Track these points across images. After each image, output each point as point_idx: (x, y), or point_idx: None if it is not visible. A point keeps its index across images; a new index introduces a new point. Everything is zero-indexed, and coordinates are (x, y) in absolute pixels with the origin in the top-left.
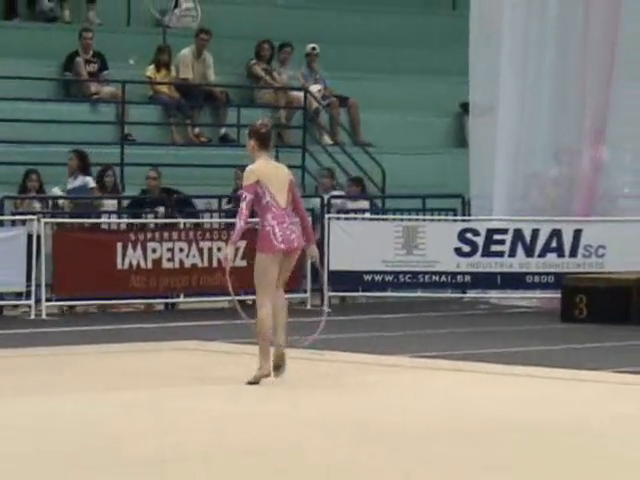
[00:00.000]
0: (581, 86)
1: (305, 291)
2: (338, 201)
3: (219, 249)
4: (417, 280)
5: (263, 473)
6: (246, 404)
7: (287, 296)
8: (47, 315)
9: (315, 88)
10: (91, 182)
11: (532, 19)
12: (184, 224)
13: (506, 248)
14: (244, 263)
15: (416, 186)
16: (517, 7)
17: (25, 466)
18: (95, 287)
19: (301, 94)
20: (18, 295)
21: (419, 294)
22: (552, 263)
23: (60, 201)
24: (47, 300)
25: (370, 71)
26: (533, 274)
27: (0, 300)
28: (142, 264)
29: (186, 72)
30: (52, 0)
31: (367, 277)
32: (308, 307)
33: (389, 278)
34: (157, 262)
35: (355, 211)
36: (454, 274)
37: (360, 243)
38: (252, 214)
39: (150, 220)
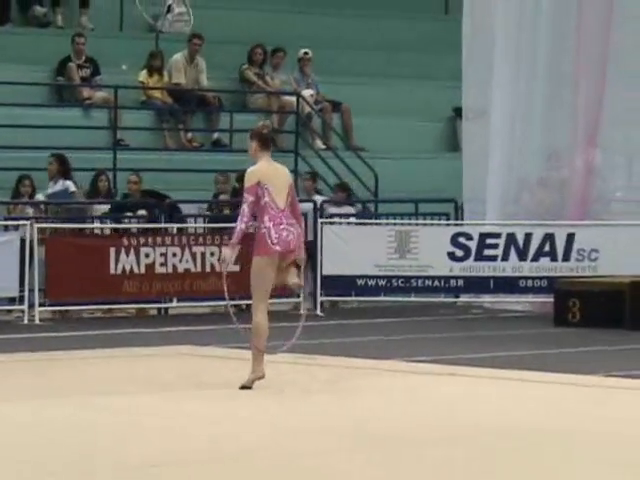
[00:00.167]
0: (574, 90)
1: (298, 295)
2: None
3: (212, 254)
4: (410, 284)
5: (258, 478)
6: (240, 409)
7: (280, 301)
8: (40, 320)
9: (307, 93)
10: (71, 186)
11: (524, 23)
12: (170, 229)
13: (499, 252)
14: (237, 268)
15: (409, 190)
16: (509, 11)
17: (20, 470)
18: (88, 292)
19: (293, 99)
20: (11, 300)
21: (412, 298)
22: (545, 267)
23: (42, 206)
24: (40, 305)
25: (362, 76)
26: (526, 278)
27: None
28: (135, 269)
29: (179, 77)
30: (45, 5)
31: (360, 281)
32: (301, 312)
33: (382, 282)
34: (150, 267)
35: (340, 216)
36: (447, 278)
37: (353, 247)
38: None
39: (133, 225)
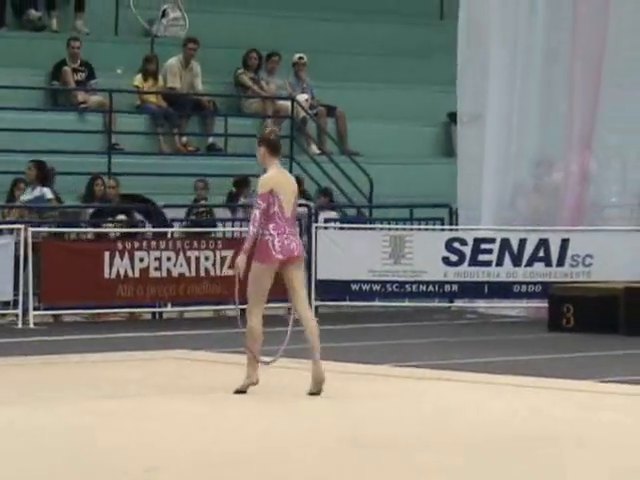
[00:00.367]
0: (569, 96)
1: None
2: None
3: (207, 258)
4: (404, 289)
5: None
6: (233, 413)
7: (274, 305)
8: (35, 324)
9: (303, 97)
10: (48, 193)
11: (520, 29)
12: (148, 234)
13: (493, 257)
14: (232, 272)
15: (403, 195)
16: (505, 17)
17: (13, 476)
18: (83, 296)
19: (288, 103)
20: (5, 304)
21: (406, 303)
22: (539, 272)
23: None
24: (35, 309)
25: (357, 80)
26: (520, 283)
27: None
28: (129, 273)
29: (174, 81)
30: (40, 9)
31: (355, 286)
32: (295, 316)
33: (376, 287)
34: (144, 271)
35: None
36: (441, 283)
37: (348, 252)
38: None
39: (111, 229)
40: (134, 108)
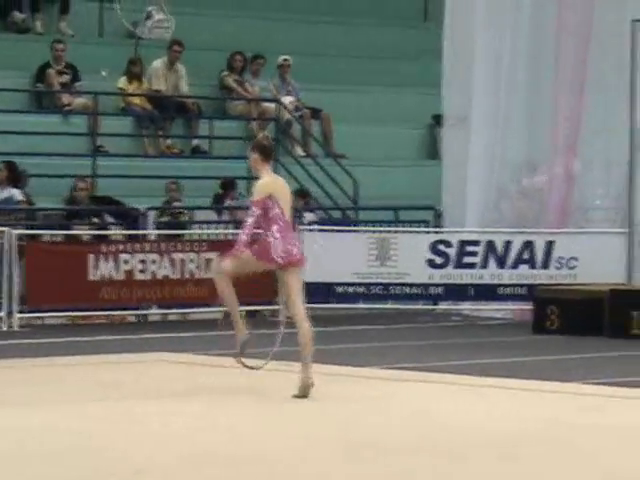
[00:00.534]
0: (554, 99)
1: (277, 302)
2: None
3: (191, 260)
4: (389, 292)
5: None
6: (220, 416)
7: (260, 308)
8: (19, 327)
9: (287, 99)
10: (17, 195)
11: (505, 32)
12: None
13: (478, 260)
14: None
15: (388, 198)
16: (490, 19)
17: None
18: (67, 299)
19: (273, 106)
20: None
21: (391, 306)
22: (524, 275)
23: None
24: (19, 312)
25: (342, 83)
26: (505, 286)
27: None
28: (114, 276)
29: (158, 83)
30: (24, 11)
31: (339, 289)
32: (280, 318)
33: (361, 290)
34: (129, 274)
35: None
36: (426, 286)
37: (332, 254)
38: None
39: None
40: (119, 110)
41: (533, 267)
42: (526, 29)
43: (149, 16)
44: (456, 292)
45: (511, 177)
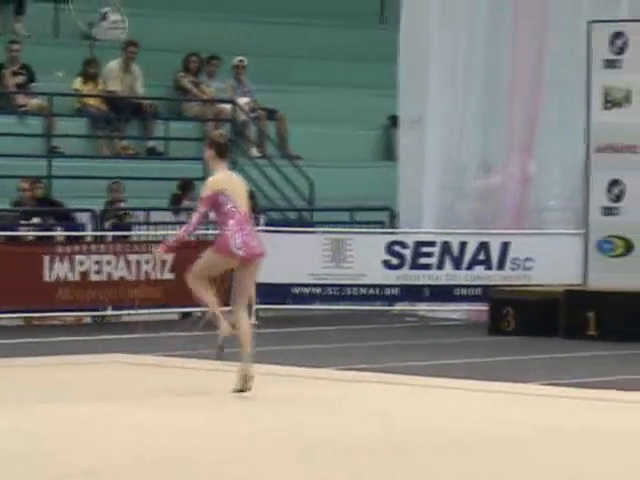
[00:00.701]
0: (509, 100)
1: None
2: None
3: (147, 262)
4: (345, 293)
5: None
6: (174, 417)
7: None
8: None
9: (243, 100)
10: None
11: (461, 34)
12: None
13: (434, 261)
14: (172, 276)
15: (344, 199)
16: (446, 21)
17: None
18: (22, 300)
19: (229, 106)
20: None
21: (347, 307)
22: (480, 276)
23: None
24: None
25: (298, 84)
26: (461, 287)
27: None
28: (69, 277)
29: (114, 84)
30: None
31: (295, 290)
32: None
33: (317, 291)
34: (84, 275)
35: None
36: (382, 287)
37: (288, 255)
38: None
39: (25, 232)
40: (74, 111)
41: (489, 268)
42: (482, 30)
43: (105, 17)
44: (412, 293)
45: (467, 178)
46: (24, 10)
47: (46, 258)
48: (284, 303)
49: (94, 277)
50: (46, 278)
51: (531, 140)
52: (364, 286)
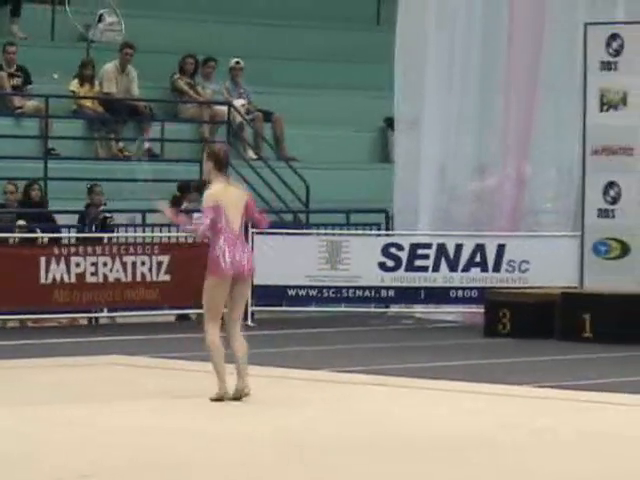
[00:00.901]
0: (505, 102)
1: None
2: None
3: (143, 263)
4: (341, 295)
5: None
6: (170, 419)
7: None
8: None
9: (239, 102)
10: None
11: (457, 36)
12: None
13: (430, 263)
14: (167, 277)
15: (340, 201)
16: (442, 23)
17: None
18: (18, 301)
19: (225, 108)
20: None
21: (343, 309)
22: (476, 278)
23: None
24: None
25: (294, 86)
26: (457, 289)
27: None
28: (65, 278)
29: (110, 86)
30: None
31: (291, 292)
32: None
33: (313, 293)
34: (80, 276)
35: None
36: (378, 289)
37: (284, 257)
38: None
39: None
40: (70, 113)
41: (485, 270)
42: (478, 32)
43: (101, 19)
44: (408, 295)
45: (463, 180)
46: (20, 12)
47: (42, 260)
48: (280, 305)
49: (90, 279)
50: (42, 280)
51: (527, 142)
52: (360, 288)
